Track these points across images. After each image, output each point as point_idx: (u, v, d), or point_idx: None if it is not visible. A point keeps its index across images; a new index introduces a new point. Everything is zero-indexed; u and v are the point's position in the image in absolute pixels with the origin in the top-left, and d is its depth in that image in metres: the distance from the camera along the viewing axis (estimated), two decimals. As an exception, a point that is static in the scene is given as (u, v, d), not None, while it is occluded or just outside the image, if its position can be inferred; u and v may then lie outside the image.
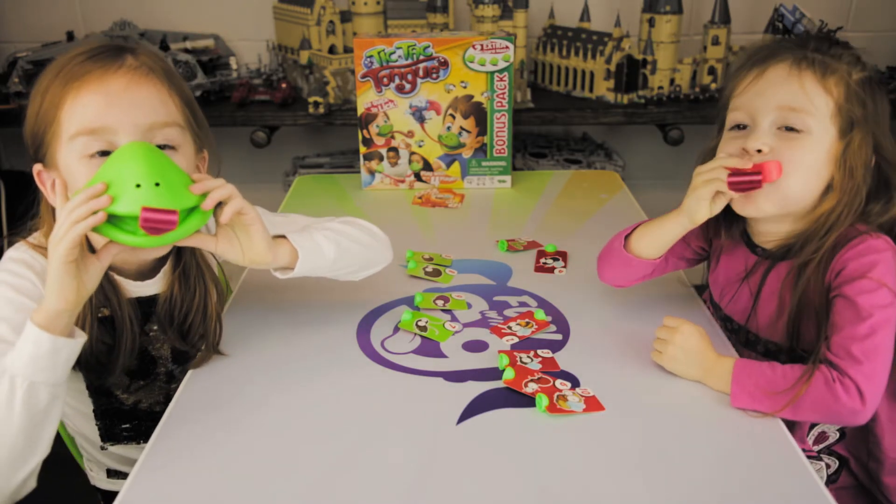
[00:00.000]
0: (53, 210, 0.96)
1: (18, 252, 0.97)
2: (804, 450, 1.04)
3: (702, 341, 0.98)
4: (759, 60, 1.01)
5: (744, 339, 1.09)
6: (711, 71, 2.18)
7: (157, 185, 0.84)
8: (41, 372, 0.83)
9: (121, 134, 0.89)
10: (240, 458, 0.86)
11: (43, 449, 0.86)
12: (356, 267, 1.11)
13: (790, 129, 0.97)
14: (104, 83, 0.90)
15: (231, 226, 0.93)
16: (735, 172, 0.97)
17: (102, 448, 1.13)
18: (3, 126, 2.29)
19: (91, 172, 0.88)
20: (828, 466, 1.08)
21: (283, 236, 1.01)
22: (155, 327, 1.06)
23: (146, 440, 0.92)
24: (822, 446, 1.07)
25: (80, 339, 0.87)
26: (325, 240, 1.05)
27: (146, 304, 1.04)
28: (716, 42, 2.14)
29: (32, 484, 0.88)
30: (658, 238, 1.08)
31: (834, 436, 1.06)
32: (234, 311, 1.17)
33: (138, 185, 0.83)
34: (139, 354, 1.05)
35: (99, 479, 1.19)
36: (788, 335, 1.02)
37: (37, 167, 0.96)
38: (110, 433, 1.11)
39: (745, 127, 1.01)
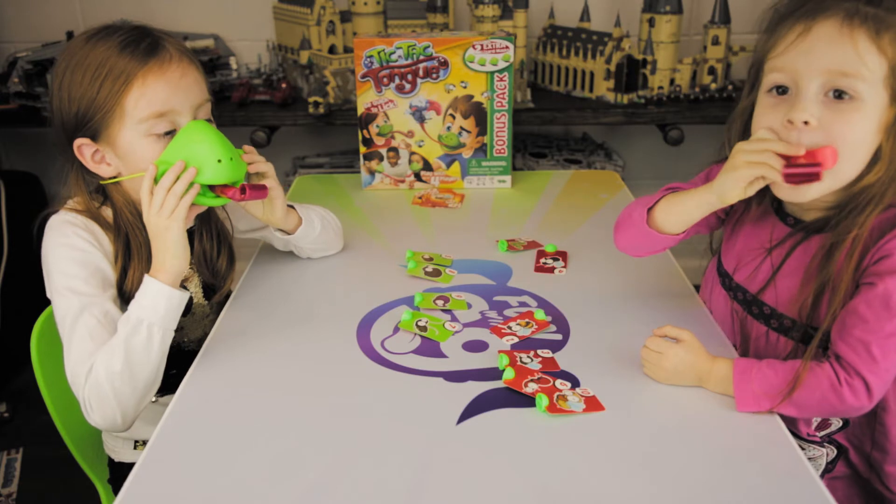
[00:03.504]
0: (85, 179, 1.12)
1: (61, 215, 1.10)
2: (808, 434, 1.03)
3: (691, 356, 0.96)
4: (805, 14, 0.89)
5: (757, 311, 1.04)
6: (711, 71, 2.18)
7: (231, 159, 1.05)
8: (171, 321, 1.03)
9: (182, 115, 1.06)
10: (239, 458, 0.86)
11: (161, 377, 1.04)
12: (321, 246, 1.32)
13: (839, 95, 0.87)
14: (165, 73, 1.05)
15: None
16: (790, 164, 0.89)
17: (154, 401, 1.18)
18: (3, 126, 2.29)
19: (156, 147, 1.05)
20: (826, 455, 1.07)
21: (292, 206, 1.26)
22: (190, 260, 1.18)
23: None
24: (823, 433, 1.06)
25: (189, 292, 1.07)
26: (317, 218, 1.29)
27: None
28: (716, 42, 2.14)
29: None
30: (684, 214, 1.02)
31: (836, 424, 1.05)
32: (234, 311, 1.17)
33: (219, 161, 1.04)
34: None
35: (124, 453, 1.23)
36: (807, 313, 0.97)
37: (78, 142, 1.07)
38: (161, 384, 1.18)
39: (785, 90, 0.91)
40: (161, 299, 1.01)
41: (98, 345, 1.00)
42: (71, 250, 1.06)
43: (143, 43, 1.06)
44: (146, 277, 1.03)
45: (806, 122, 0.88)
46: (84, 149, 1.07)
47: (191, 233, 1.19)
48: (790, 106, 0.90)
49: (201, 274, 1.21)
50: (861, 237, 0.90)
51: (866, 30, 0.86)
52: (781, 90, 0.91)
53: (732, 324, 1.09)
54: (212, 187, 1.07)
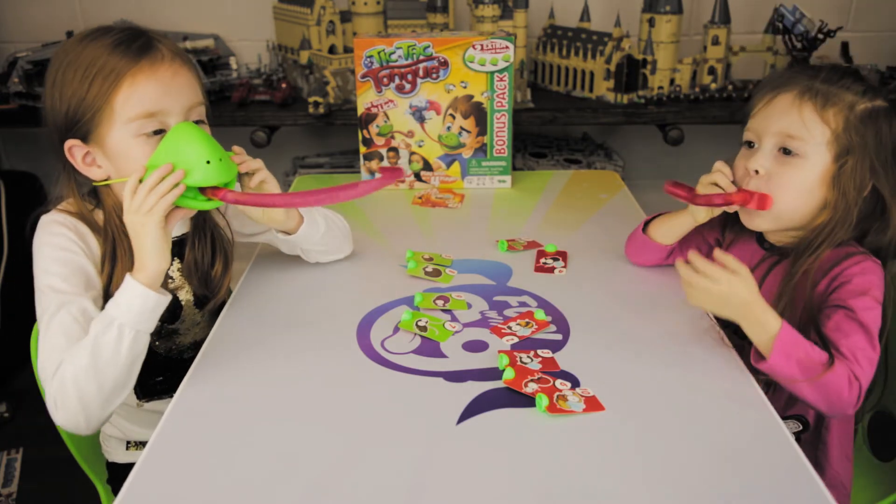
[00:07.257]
0: (77, 182, 1.11)
1: (51, 215, 1.10)
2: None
3: (747, 292, 1.00)
4: (773, 87, 1.12)
5: (742, 333, 1.07)
6: (711, 71, 2.18)
7: (220, 161, 1.04)
8: (144, 323, 1.00)
9: (172, 115, 1.05)
10: (239, 458, 0.86)
11: (133, 382, 1.01)
12: (330, 248, 1.30)
13: (787, 152, 1.08)
14: (155, 72, 1.04)
15: (258, 190, 1.14)
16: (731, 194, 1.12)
17: (139, 405, 1.21)
18: (3, 126, 2.29)
19: (145, 148, 1.04)
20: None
21: None
22: (179, 268, 1.19)
23: None
24: None
25: (169, 295, 1.04)
26: (321, 217, 1.26)
27: (175, 247, 1.17)
28: (716, 42, 2.14)
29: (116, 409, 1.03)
30: (670, 228, 1.25)
31: (793, 430, 1.13)
32: (234, 311, 1.17)
33: (208, 162, 1.02)
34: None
35: (117, 454, 1.24)
36: None
37: (69, 143, 1.06)
38: (146, 388, 1.20)
39: (752, 145, 1.13)
40: (136, 299, 0.98)
41: (71, 342, 0.98)
42: (54, 249, 1.06)
43: (136, 43, 1.04)
44: (126, 276, 1.00)
45: (757, 172, 1.10)
46: (75, 150, 1.06)
47: (183, 241, 1.18)
48: (750, 157, 1.12)
49: (191, 282, 1.19)
50: (812, 269, 1.07)
51: (813, 103, 1.07)
52: (751, 145, 1.14)
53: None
54: (202, 190, 1.05)
